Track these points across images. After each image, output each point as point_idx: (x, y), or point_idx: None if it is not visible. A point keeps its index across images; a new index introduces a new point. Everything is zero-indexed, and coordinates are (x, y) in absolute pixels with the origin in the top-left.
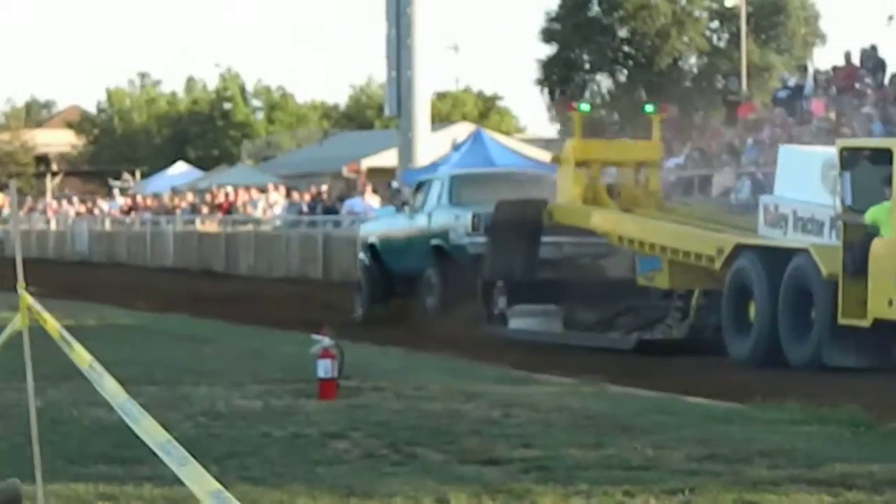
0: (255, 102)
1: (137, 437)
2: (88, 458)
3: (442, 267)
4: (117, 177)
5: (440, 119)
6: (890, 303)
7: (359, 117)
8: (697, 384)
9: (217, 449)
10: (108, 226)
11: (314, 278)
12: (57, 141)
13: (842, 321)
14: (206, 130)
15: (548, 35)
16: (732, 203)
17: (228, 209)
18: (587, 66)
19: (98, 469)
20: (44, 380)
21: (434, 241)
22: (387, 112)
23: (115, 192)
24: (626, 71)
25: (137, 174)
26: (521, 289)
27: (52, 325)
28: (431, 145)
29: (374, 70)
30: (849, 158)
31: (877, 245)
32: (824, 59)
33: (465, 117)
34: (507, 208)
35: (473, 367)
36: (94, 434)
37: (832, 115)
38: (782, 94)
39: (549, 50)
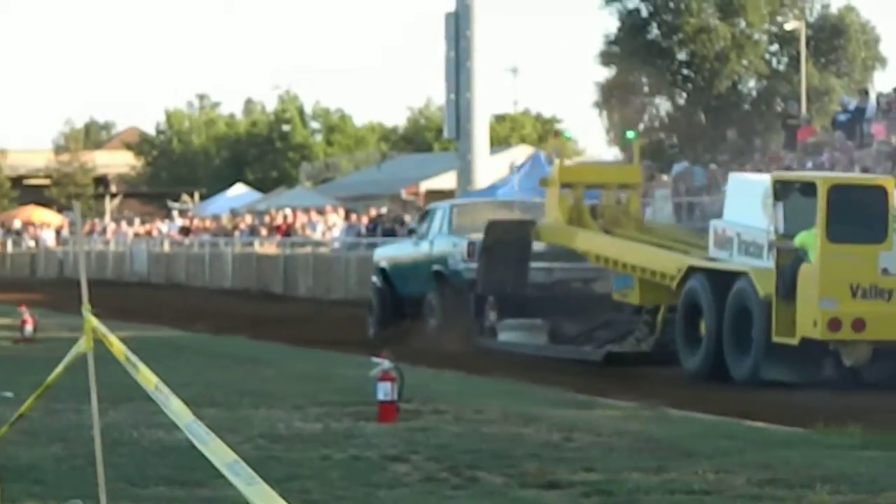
0: (314, 124)
1: (198, 459)
2: (149, 480)
3: (441, 290)
4: (176, 198)
5: (498, 142)
6: (815, 323)
7: (417, 140)
8: (758, 408)
9: (277, 471)
10: (166, 247)
11: None
12: (116, 162)
13: (775, 339)
14: (264, 152)
15: (607, 58)
16: None
17: (287, 231)
18: (646, 88)
19: (159, 491)
20: (104, 401)
21: (435, 267)
22: (445, 134)
23: (174, 213)
24: (684, 94)
25: (196, 196)
26: (510, 304)
27: (118, 347)
28: (490, 168)
29: (432, 92)
30: (781, 189)
31: (804, 269)
32: (884, 82)
33: (523, 140)
34: (498, 228)
35: (532, 391)
36: (154, 456)
37: (893, 139)
38: (842, 117)
39: (607, 73)
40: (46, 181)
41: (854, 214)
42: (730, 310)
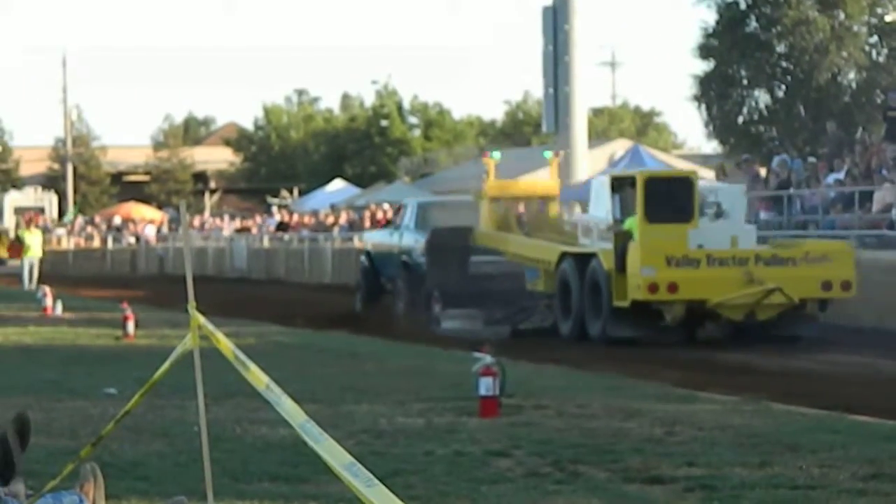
0: (412, 119)
1: (302, 455)
2: (253, 476)
3: (407, 277)
4: (275, 194)
5: (597, 135)
6: (639, 288)
7: (515, 134)
8: (862, 402)
9: (381, 467)
10: (266, 243)
11: None
12: (215, 158)
13: (615, 303)
14: (363, 147)
15: (705, 51)
16: (893, 219)
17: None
18: (745, 81)
19: (263, 487)
20: (207, 397)
21: (403, 257)
22: (544, 128)
23: (273, 209)
24: (784, 86)
25: (295, 191)
26: (452, 297)
27: (226, 345)
28: (589, 161)
29: (530, 86)
30: (616, 184)
31: (631, 246)
32: None
33: (622, 133)
34: (441, 234)
35: (635, 385)
36: (258, 452)
37: None
38: None
39: (706, 66)
40: (146, 177)
41: (666, 200)
42: (587, 283)
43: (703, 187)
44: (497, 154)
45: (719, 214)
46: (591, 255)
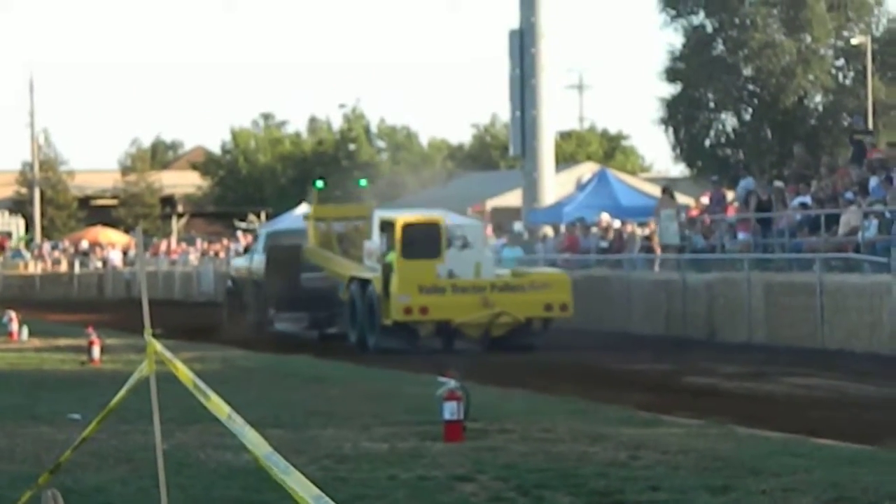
0: (380, 143)
1: (266, 482)
2: (215, 502)
3: (255, 293)
4: (243, 218)
5: (564, 159)
6: (397, 311)
7: (483, 157)
8: (826, 425)
9: (344, 492)
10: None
11: None
12: (182, 182)
13: (383, 322)
14: (330, 171)
15: (672, 74)
16: (859, 242)
17: None
18: (712, 104)
19: None
20: (170, 422)
21: (254, 277)
22: (511, 152)
23: (238, 234)
24: (750, 109)
25: (263, 215)
26: (285, 303)
27: (185, 373)
28: (556, 185)
29: (497, 109)
30: (383, 225)
31: (392, 276)
32: None
33: (589, 157)
34: (276, 250)
35: (599, 409)
36: (221, 478)
37: None
38: None
39: (673, 89)
40: (114, 201)
41: (419, 241)
42: (367, 302)
43: (451, 225)
44: (320, 183)
45: (465, 245)
46: (369, 280)
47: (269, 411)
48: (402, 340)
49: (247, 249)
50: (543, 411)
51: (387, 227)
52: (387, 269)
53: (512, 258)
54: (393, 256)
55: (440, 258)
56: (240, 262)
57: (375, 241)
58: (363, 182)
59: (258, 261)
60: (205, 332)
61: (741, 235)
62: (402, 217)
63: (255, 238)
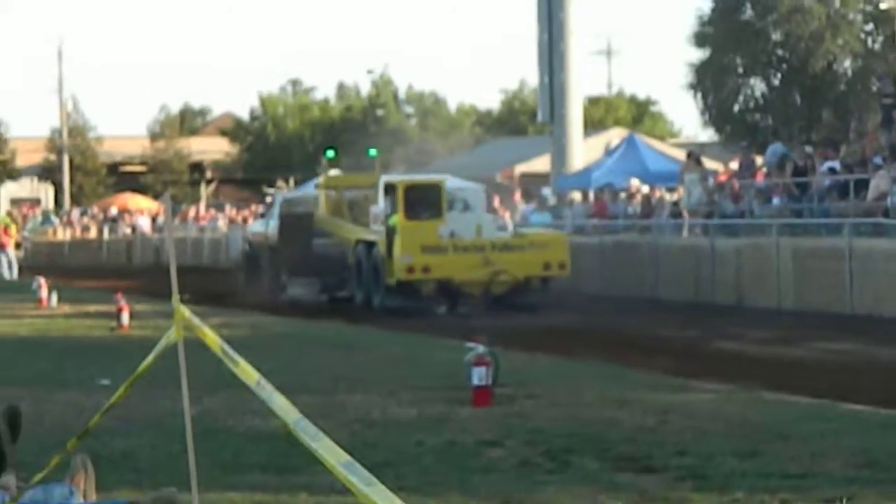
0: (408, 109)
1: (294, 446)
2: (243, 467)
3: (271, 257)
4: (271, 184)
5: (593, 124)
6: (400, 270)
7: (511, 123)
8: (856, 390)
9: (373, 457)
10: None
11: None
12: (211, 148)
13: (387, 281)
14: (358, 137)
15: (701, 39)
16: (888, 206)
17: None
18: (740, 69)
19: (253, 477)
20: (199, 388)
21: (269, 242)
22: (540, 118)
23: (267, 200)
24: (779, 75)
25: (291, 181)
26: (298, 268)
27: (213, 340)
28: (585, 151)
29: (526, 74)
30: (387, 188)
31: (396, 237)
32: None
33: (618, 122)
34: (289, 219)
35: (627, 374)
36: (249, 442)
37: None
38: None
39: (702, 54)
40: (142, 168)
41: (420, 202)
42: (372, 263)
43: (454, 187)
44: (331, 153)
45: (466, 208)
46: (374, 242)
47: (298, 377)
48: (405, 299)
49: (263, 215)
50: (571, 376)
51: (390, 190)
52: (390, 231)
53: (540, 223)
54: (396, 219)
55: (442, 219)
56: (256, 227)
57: (381, 205)
58: (373, 152)
59: (273, 226)
60: (222, 298)
61: (775, 200)
62: (404, 180)
63: (272, 204)
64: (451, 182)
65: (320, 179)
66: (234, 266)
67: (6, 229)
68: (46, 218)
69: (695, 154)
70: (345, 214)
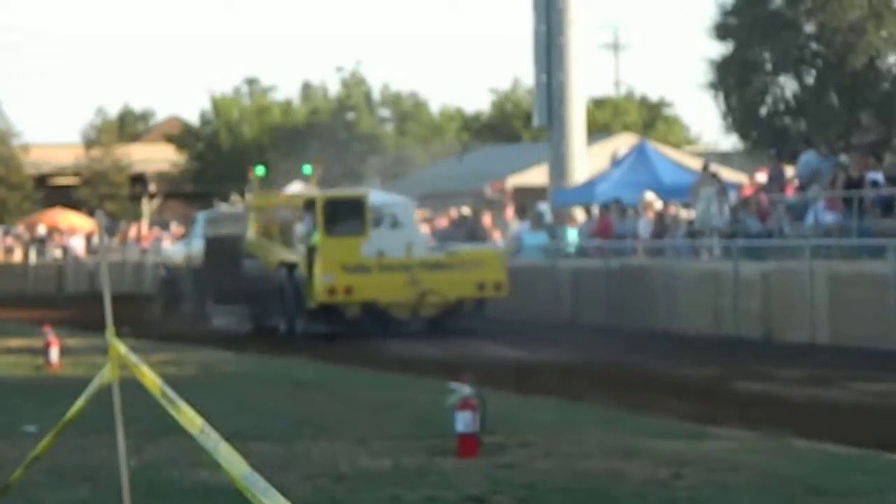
0: (383, 112)
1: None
2: None
3: (193, 280)
4: (225, 199)
5: (597, 129)
6: (321, 291)
7: (503, 128)
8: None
9: None
10: None
11: None
12: (155, 157)
13: (307, 304)
14: (326, 144)
15: (722, 31)
16: None
17: None
18: (768, 66)
19: None
20: (138, 435)
21: (192, 266)
22: (536, 122)
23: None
24: (814, 72)
25: (248, 195)
26: (224, 295)
27: (152, 380)
28: (588, 160)
29: (520, 73)
30: (307, 204)
31: (315, 258)
32: None
33: (626, 128)
34: (214, 241)
35: (635, 419)
36: (197, 499)
37: None
38: None
39: (723, 48)
40: (75, 180)
41: (341, 218)
42: (294, 286)
43: (380, 202)
44: (261, 170)
45: (395, 224)
46: (295, 265)
47: (254, 421)
48: (328, 324)
49: (182, 236)
50: (571, 422)
51: (309, 205)
52: (311, 251)
53: (535, 245)
54: (316, 235)
55: (365, 235)
56: (174, 249)
57: (303, 224)
58: (307, 169)
59: (197, 248)
60: (139, 326)
61: (829, 217)
62: (324, 194)
63: (194, 223)
64: (377, 196)
65: (248, 199)
66: (154, 293)
67: None
68: None
69: (710, 165)
70: (274, 236)
